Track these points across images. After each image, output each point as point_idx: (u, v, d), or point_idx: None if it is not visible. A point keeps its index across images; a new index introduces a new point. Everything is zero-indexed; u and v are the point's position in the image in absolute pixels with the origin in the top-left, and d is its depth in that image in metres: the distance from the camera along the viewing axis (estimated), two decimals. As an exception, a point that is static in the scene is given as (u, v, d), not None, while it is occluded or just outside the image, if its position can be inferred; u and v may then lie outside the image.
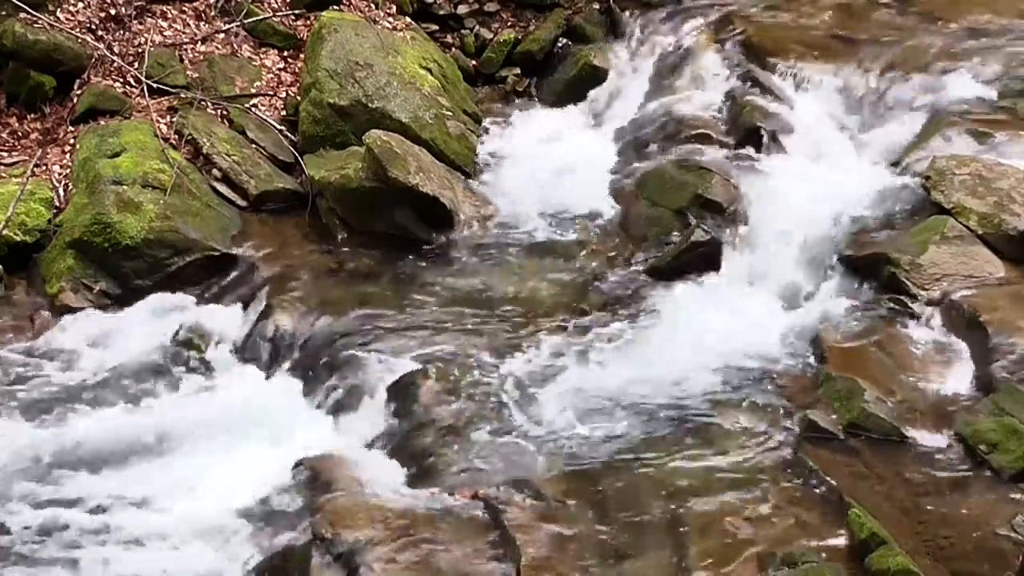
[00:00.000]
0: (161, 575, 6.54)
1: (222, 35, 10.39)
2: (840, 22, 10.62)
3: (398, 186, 8.92)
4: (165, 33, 10.28)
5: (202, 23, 10.47)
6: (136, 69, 9.77)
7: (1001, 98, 9.38)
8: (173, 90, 9.80)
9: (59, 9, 9.97)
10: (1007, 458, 6.73)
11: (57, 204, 9.03)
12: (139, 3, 10.23)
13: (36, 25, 9.70)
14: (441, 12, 11.21)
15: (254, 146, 9.64)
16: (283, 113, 10.03)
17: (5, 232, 8.67)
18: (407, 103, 9.73)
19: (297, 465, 7.12)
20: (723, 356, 7.74)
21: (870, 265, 8.21)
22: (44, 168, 9.30)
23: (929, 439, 6.95)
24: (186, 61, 10.14)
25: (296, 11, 10.67)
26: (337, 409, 7.73)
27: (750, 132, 9.54)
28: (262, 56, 10.44)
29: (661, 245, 8.83)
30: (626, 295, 8.53)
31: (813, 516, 6.43)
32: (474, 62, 11.15)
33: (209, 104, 9.82)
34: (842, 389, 7.20)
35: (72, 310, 8.46)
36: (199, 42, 10.30)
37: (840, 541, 6.23)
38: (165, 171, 8.96)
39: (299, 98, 9.94)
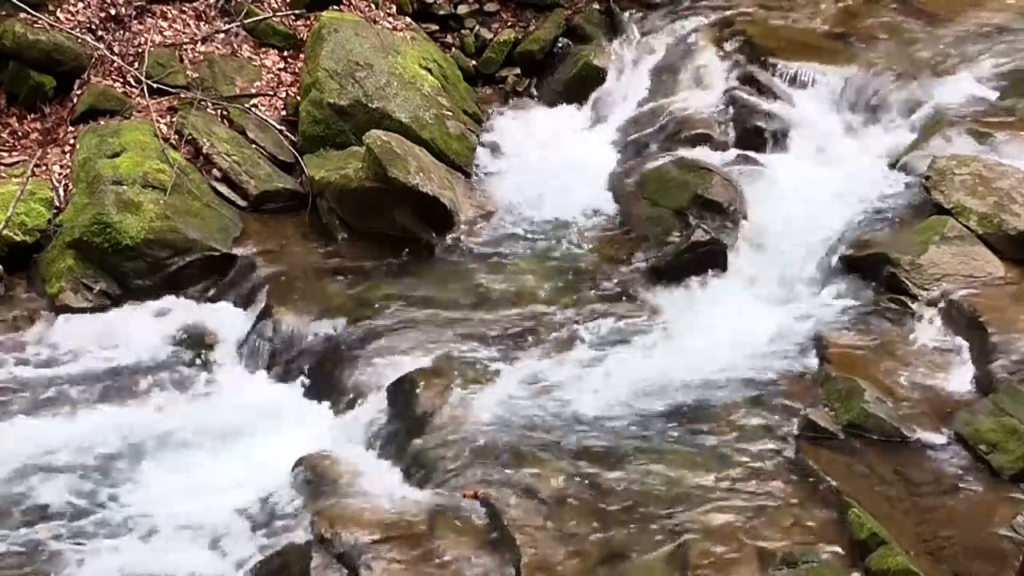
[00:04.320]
0: (161, 575, 6.55)
1: (222, 35, 10.39)
2: (840, 22, 10.62)
3: (398, 186, 8.91)
4: (165, 33, 10.28)
5: (202, 23, 10.47)
6: (136, 69, 9.77)
7: (1001, 98, 9.38)
8: (173, 90, 9.81)
9: (59, 9, 9.97)
10: (1007, 458, 6.73)
11: (57, 204, 9.03)
12: (139, 3, 10.23)
13: (36, 25, 9.69)
14: (441, 12, 11.20)
15: (254, 146, 9.64)
16: (283, 113, 10.03)
17: (5, 232, 8.67)
18: (407, 103, 9.73)
19: (297, 465, 7.11)
20: (723, 356, 7.74)
21: (870, 265, 8.21)
22: (44, 168, 9.30)
23: (929, 439, 6.94)
24: (186, 61, 10.14)
25: (296, 11, 10.67)
26: (337, 409, 7.73)
27: (750, 132, 9.56)
28: (262, 56, 10.44)
29: (661, 245, 8.82)
30: (626, 295, 8.53)
31: (813, 516, 6.43)
32: (474, 62, 11.14)
33: (209, 104, 9.82)
34: (842, 389, 7.19)
35: (72, 310, 8.46)
36: (199, 42, 10.30)
37: (840, 541, 6.23)
38: (165, 171, 8.96)
39: (299, 98, 9.94)
